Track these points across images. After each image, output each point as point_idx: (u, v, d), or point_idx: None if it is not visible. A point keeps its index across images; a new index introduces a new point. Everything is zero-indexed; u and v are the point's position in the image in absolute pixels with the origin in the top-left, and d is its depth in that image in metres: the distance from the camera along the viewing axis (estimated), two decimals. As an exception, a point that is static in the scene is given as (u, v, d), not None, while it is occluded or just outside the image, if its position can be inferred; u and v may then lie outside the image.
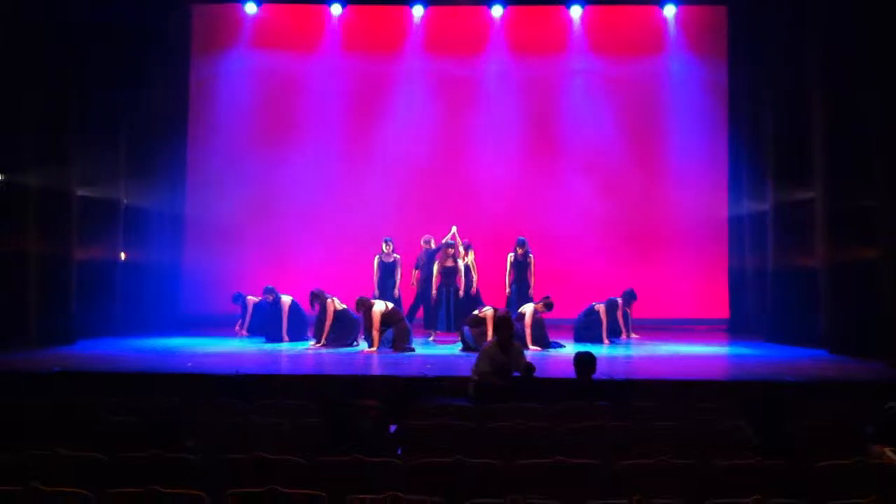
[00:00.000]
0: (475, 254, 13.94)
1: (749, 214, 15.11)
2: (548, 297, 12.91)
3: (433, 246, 14.03)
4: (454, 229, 14.06)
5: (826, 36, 12.39)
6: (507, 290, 13.86)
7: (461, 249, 13.70)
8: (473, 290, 13.64)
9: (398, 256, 14.01)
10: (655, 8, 16.03)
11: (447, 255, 13.63)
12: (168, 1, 15.26)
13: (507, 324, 8.99)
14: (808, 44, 12.90)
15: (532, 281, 13.80)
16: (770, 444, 5.82)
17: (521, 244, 13.88)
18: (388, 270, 13.95)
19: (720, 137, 16.20)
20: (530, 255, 13.88)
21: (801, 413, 6.68)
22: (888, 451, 5.40)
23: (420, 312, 14.06)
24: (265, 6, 16.26)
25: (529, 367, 8.59)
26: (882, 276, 11.38)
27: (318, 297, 12.98)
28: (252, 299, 14.53)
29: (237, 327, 14.56)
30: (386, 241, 14.02)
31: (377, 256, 14.01)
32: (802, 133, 12.99)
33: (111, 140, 13.72)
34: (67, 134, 12.70)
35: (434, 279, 13.67)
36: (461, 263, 13.62)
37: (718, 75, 16.17)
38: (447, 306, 13.56)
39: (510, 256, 13.92)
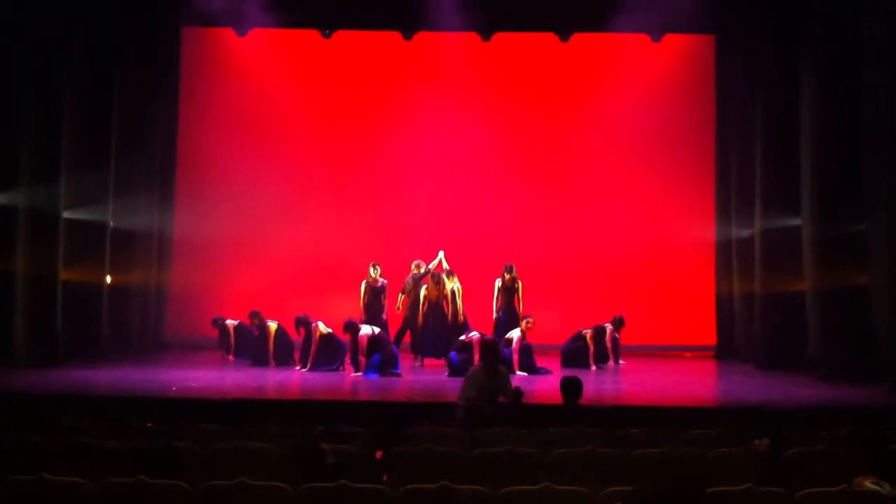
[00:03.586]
0: (461, 280, 13.90)
1: (737, 240, 15.11)
2: (528, 316, 13.01)
3: (422, 271, 13.98)
4: (441, 254, 14.04)
5: (816, 63, 12.43)
6: (495, 315, 13.86)
7: (445, 278, 13.65)
8: (460, 317, 13.59)
9: (385, 281, 13.96)
10: (644, 35, 16.12)
11: (434, 281, 13.59)
12: (158, 23, 15.25)
13: (493, 349, 8.96)
14: (797, 71, 12.94)
15: (520, 307, 13.78)
16: (760, 470, 5.80)
17: (509, 270, 13.87)
18: (375, 295, 13.89)
19: (707, 163, 16.25)
20: (518, 280, 13.86)
21: (790, 439, 6.66)
22: (868, 482, 5.28)
23: (407, 337, 14.01)
24: (255, 30, 16.27)
25: (517, 393, 8.55)
26: (871, 301, 11.35)
27: (303, 323, 12.97)
28: (231, 323, 14.47)
29: (223, 354, 14.44)
30: (373, 266, 13.96)
31: (364, 281, 13.95)
32: (790, 157, 13.01)
33: (100, 162, 13.67)
34: (57, 155, 12.64)
35: (421, 304, 13.63)
36: (448, 289, 13.57)
37: (706, 102, 16.24)
38: (434, 331, 13.50)
39: (498, 282, 13.91)
